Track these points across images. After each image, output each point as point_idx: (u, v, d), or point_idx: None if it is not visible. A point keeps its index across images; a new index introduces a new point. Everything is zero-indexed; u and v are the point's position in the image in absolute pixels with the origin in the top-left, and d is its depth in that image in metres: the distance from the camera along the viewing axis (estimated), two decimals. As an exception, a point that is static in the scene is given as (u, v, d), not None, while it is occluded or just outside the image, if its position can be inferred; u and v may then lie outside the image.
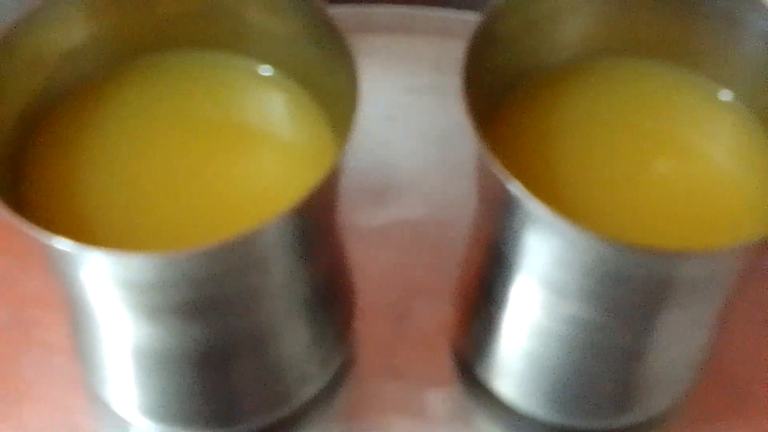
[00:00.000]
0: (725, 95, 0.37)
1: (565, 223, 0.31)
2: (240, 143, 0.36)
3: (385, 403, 0.41)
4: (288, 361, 0.38)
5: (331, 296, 0.38)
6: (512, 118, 0.37)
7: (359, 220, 0.45)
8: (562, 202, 0.35)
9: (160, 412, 0.38)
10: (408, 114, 0.48)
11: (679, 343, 0.37)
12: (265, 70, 0.37)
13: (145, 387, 0.38)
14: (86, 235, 0.33)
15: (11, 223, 0.29)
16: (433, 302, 0.43)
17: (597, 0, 0.36)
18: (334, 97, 0.35)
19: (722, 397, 0.42)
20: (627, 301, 0.34)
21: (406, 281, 0.44)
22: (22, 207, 0.33)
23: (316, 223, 0.34)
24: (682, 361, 0.38)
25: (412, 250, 0.45)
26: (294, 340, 0.37)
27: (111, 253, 0.30)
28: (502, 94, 0.37)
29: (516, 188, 0.31)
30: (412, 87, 0.49)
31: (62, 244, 0.30)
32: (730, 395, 0.42)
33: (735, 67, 0.36)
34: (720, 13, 0.35)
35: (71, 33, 0.35)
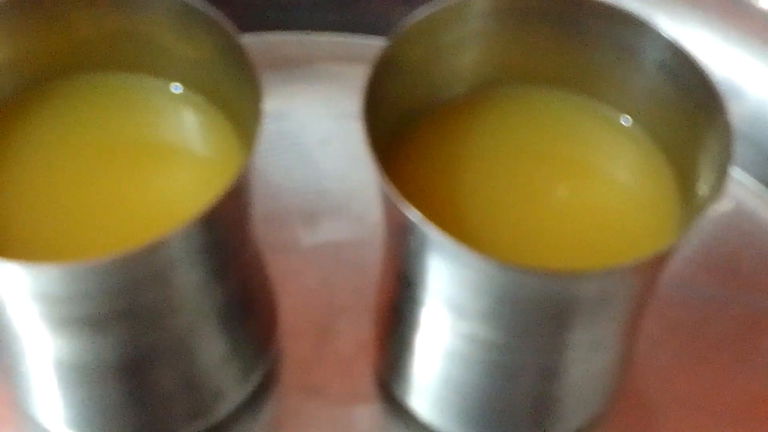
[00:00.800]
0: (624, 120, 0.38)
1: (456, 246, 0.32)
2: (153, 159, 0.38)
3: (307, 420, 0.42)
4: (203, 375, 0.39)
5: (248, 312, 0.39)
6: (415, 146, 0.38)
7: (287, 241, 0.46)
8: (462, 228, 0.36)
9: (83, 424, 0.39)
10: (341, 138, 0.49)
11: (583, 363, 0.38)
12: (177, 88, 0.39)
13: (68, 399, 0.39)
14: (-1, 249, 0.34)
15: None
16: (356, 322, 0.44)
17: (497, 30, 0.37)
18: (242, 114, 0.36)
19: (632, 416, 0.43)
20: (524, 321, 0.35)
21: (330, 301, 0.45)
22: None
23: (225, 236, 0.35)
24: (590, 381, 0.39)
25: (338, 271, 0.46)
26: (208, 353, 0.38)
27: (19, 264, 0.32)
28: (405, 122, 0.38)
29: (411, 213, 0.32)
30: (346, 113, 0.50)
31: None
32: (639, 414, 0.43)
33: (632, 93, 0.38)
34: (615, 41, 0.37)
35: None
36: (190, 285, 0.35)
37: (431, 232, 0.32)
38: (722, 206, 0.48)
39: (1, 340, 0.39)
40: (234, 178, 0.33)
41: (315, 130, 0.50)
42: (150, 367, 0.37)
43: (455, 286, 0.34)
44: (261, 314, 0.41)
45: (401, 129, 0.38)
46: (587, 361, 0.38)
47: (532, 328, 0.35)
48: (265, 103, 0.34)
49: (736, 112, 0.35)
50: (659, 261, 0.34)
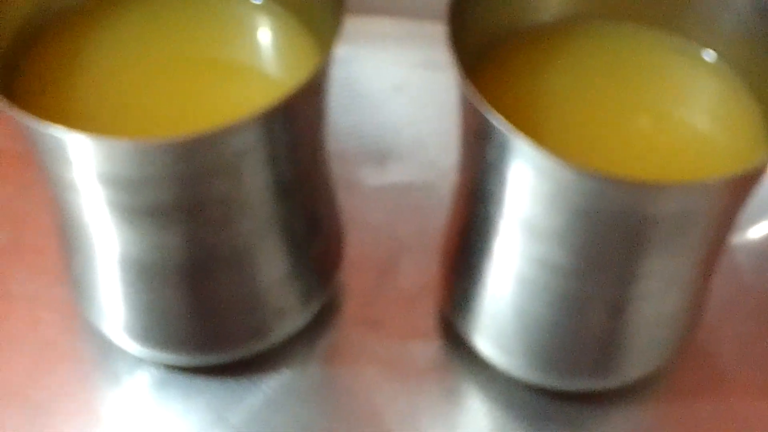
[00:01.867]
0: (708, 56, 0.38)
1: (536, 150, 0.32)
2: (229, 68, 0.37)
3: (364, 352, 0.42)
4: (266, 290, 0.38)
5: (314, 233, 0.39)
6: (496, 71, 0.38)
7: (356, 179, 0.46)
8: (541, 142, 0.35)
9: (142, 332, 0.39)
10: (414, 86, 0.49)
11: (655, 301, 0.37)
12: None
13: (130, 303, 0.38)
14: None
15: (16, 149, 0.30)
16: (419, 261, 0.44)
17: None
18: (323, 22, 0.36)
19: (699, 375, 0.42)
20: (599, 243, 0.34)
21: (395, 239, 0.44)
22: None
23: (297, 137, 0.35)
24: (660, 324, 0.38)
25: (403, 211, 0.45)
26: (273, 268, 0.38)
27: (99, 138, 0.31)
28: (487, 49, 0.38)
29: (495, 118, 0.32)
30: (419, 62, 0.50)
31: (54, 130, 0.31)
32: (707, 373, 0.42)
33: (719, 29, 0.37)
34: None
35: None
36: (259, 186, 0.35)
37: (513, 136, 0.32)
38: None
39: (69, 246, 0.39)
40: (311, 73, 0.32)
41: (388, 76, 0.49)
42: (213, 273, 0.37)
43: (531, 200, 0.34)
44: (327, 239, 0.40)
45: (482, 57, 0.38)
46: (659, 300, 0.37)
47: (606, 252, 0.34)
48: (344, 14, 0.34)
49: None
50: (740, 183, 0.33)
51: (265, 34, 0.38)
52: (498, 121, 0.32)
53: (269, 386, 0.41)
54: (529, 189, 0.34)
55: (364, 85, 0.49)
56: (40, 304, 0.42)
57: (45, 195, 0.37)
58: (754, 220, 0.46)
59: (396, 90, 0.49)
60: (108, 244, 0.36)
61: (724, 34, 0.37)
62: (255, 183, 0.35)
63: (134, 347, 0.40)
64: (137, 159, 0.32)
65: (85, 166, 0.33)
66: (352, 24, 0.35)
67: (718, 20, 0.37)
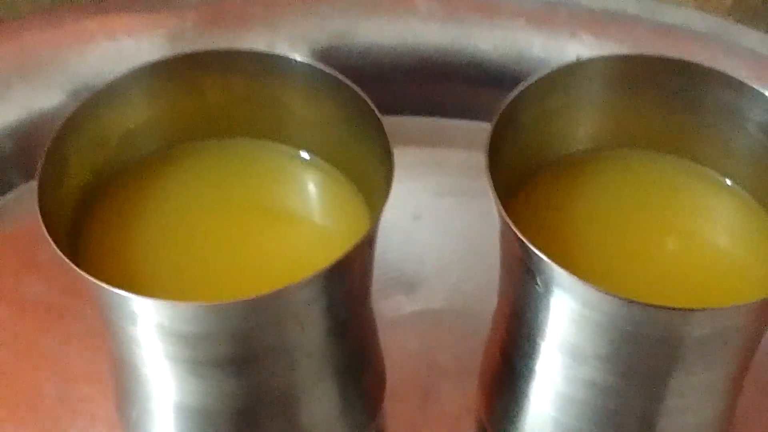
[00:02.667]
0: (726, 182, 0.41)
1: (581, 283, 0.34)
2: (281, 220, 0.40)
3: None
4: (320, 428, 0.40)
5: (362, 368, 0.41)
6: (531, 199, 0.40)
7: (388, 310, 0.48)
8: (577, 270, 0.37)
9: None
10: (434, 214, 0.51)
11: (692, 411, 0.39)
12: (304, 155, 0.41)
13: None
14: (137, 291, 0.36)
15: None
16: (458, 384, 0.45)
17: (604, 95, 0.40)
18: (368, 178, 0.38)
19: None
20: (642, 363, 0.36)
21: (432, 365, 0.46)
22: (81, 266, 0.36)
23: (348, 289, 0.37)
24: (699, 429, 0.40)
25: (438, 336, 0.47)
26: (326, 405, 0.40)
27: (161, 301, 0.34)
28: (521, 178, 0.40)
29: (540, 254, 0.34)
30: (438, 191, 0.52)
31: (124, 295, 0.33)
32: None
33: (734, 155, 0.40)
34: (718, 104, 0.39)
35: (130, 116, 0.39)
36: (316, 333, 0.37)
37: (559, 272, 0.34)
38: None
39: (128, 393, 0.40)
40: (363, 235, 0.35)
41: (408, 206, 0.52)
42: (270, 416, 0.39)
43: (575, 326, 0.36)
44: (374, 373, 0.42)
45: (517, 186, 0.40)
46: (693, 413, 0.39)
47: (645, 370, 0.37)
48: (394, 171, 0.36)
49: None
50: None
51: (312, 187, 0.41)
52: (545, 260, 0.34)
53: None
54: (571, 315, 0.36)
55: (384, 216, 0.51)
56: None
57: (97, 346, 0.39)
58: None
59: (415, 219, 0.51)
60: (163, 392, 0.38)
61: (739, 159, 0.40)
62: (312, 331, 0.37)
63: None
64: (205, 318, 0.34)
65: (148, 323, 0.35)
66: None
67: (733, 147, 0.40)
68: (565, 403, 0.39)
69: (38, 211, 0.35)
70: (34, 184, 0.35)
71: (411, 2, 0.56)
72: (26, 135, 0.52)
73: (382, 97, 0.55)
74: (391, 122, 0.55)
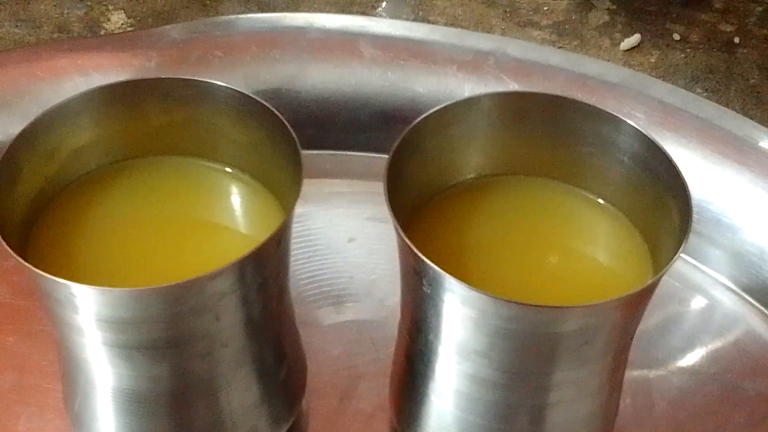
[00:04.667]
0: (602, 203, 0.46)
1: (457, 282, 0.39)
2: (208, 227, 0.45)
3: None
4: (240, 413, 0.45)
5: (281, 363, 0.46)
6: (428, 222, 0.46)
7: (317, 319, 0.53)
8: (467, 278, 0.43)
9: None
10: (366, 237, 0.57)
11: (570, 406, 0.44)
12: (230, 171, 0.47)
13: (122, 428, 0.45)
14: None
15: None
16: (374, 386, 0.50)
17: (493, 128, 0.45)
18: (286, 189, 0.44)
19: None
20: (521, 358, 0.41)
21: (352, 369, 0.51)
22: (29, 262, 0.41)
23: (261, 285, 0.42)
24: (578, 425, 0.45)
25: (359, 344, 0.52)
26: (246, 393, 0.45)
27: (95, 288, 0.39)
28: (420, 203, 0.46)
29: (427, 262, 0.40)
30: (370, 217, 0.58)
31: (63, 283, 0.39)
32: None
33: (611, 180, 0.45)
34: (597, 137, 0.44)
35: (79, 133, 0.45)
36: (234, 323, 0.42)
37: (441, 275, 0.39)
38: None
39: (72, 381, 0.45)
40: (277, 227, 0.40)
41: (343, 230, 0.57)
42: (195, 399, 0.44)
43: (460, 326, 0.41)
44: (293, 369, 0.47)
45: (419, 206, 0.45)
46: (574, 405, 0.44)
47: (524, 365, 0.42)
48: (303, 179, 0.42)
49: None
50: (629, 302, 0.40)
51: (235, 197, 0.46)
52: (429, 264, 0.40)
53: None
54: (454, 314, 0.41)
55: (321, 238, 0.57)
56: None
57: (47, 342, 0.44)
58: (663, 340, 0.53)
59: (349, 241, 0.57)
60: (103, 378, 0.43)
61: (614, 183, 0.45)
62: (227, 322, 0.42)
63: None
64: (132, 304, 0.39)
65: (88, 310, 0.40)
66: (308, 186, 0.42)
67: (609, 174, 0.45)
68: (461, 400, 0.44)
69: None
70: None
71: (356, 48, 0.62)
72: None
73: (327, 133, 0.61)
74: (335, 156, 0.61)
